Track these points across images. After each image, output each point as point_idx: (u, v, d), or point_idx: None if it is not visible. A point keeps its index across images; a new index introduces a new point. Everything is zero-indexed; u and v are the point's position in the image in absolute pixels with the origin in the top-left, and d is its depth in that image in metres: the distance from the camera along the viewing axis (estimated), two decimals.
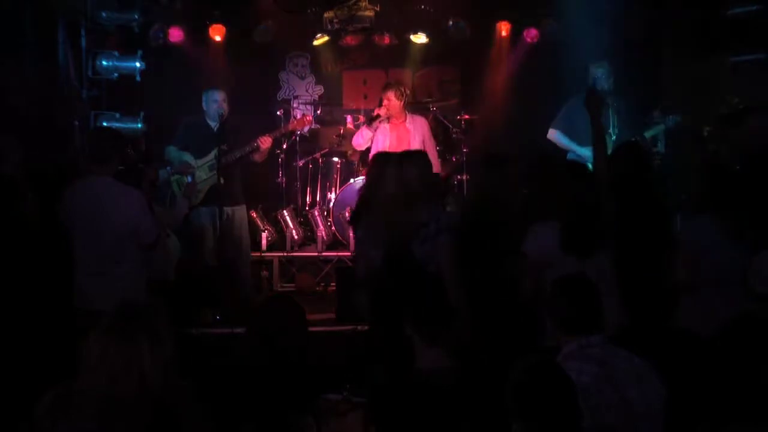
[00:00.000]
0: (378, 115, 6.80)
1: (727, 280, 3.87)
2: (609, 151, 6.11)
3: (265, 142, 6.40)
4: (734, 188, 3.97)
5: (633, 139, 6.13)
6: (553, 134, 6.48)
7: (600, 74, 6.37)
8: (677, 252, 3.98)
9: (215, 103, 6.38)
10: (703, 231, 3.94)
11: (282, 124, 7.45)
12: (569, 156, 6.29)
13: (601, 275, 3.66)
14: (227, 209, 6.27)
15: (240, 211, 6.51)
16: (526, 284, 4.02)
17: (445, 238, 4.18)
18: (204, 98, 6.46)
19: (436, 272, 4.04)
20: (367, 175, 4.90)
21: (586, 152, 6.28)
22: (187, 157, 6.36)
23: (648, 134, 6.12)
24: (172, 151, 6.41)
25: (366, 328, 4.75)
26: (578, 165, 4.75)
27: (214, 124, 6.41)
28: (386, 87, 6.96)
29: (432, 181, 4.51)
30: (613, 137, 6.29)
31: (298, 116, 7.41)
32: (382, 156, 5.16)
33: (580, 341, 3.01)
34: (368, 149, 7.05)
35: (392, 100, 6.75)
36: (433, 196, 4.49)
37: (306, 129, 8.54)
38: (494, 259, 4.15)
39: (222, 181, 6.17)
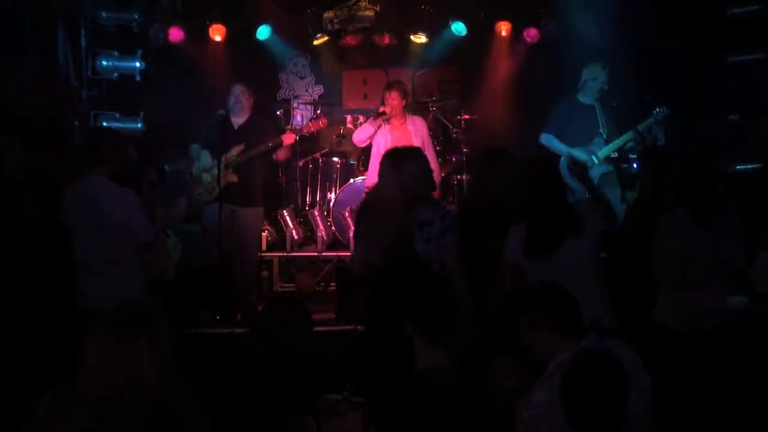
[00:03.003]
0: (384, 112, 6.79)
1: (700, 272, 3.90)
2: (605, 150, 6.24)
3: (289, 138, 6.46)
4: (698, 179, 4.00)
5: (631, 134, 6.17)
6: (545, 139, 6.47)
7: (596, 74, 6.37)
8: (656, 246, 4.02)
9: (232, 96, 6.46)
10: (674, 223, 3.98)
11: (291, 124, 7.53)
12: (562, 160, 6.28)
13: (570, 267, 3.67)
14: (237, 208, 6.28)
15: (251, 212, 6.50)
16: (504, 285, 4.00)
17: (451, 239, 4.15)
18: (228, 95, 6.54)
19: (441, 272, 4.01)
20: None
21: (579, 153, 6.29)
22: (204, 155, 6.41)
23: (641, 127, 6.16)
24: (194, 149, 6.46)
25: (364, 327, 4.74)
26: (543, 163, 4.63)
27: (236, 121, 6.45)
28: (390, 86, 6.94)
29: (431, 177, 4.48)
30: (605, 136, 6.32)
31: (309, 116, 7.50)
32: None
33: (573, 348, 2.94)
34: (367, 149, 7.05)
35: (396, 100, 6.74)
36: (430, 192, 4.47)
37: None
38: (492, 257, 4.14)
39: (236, 179, 6.26)
